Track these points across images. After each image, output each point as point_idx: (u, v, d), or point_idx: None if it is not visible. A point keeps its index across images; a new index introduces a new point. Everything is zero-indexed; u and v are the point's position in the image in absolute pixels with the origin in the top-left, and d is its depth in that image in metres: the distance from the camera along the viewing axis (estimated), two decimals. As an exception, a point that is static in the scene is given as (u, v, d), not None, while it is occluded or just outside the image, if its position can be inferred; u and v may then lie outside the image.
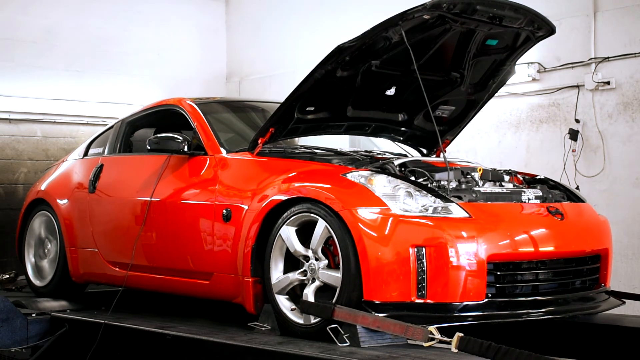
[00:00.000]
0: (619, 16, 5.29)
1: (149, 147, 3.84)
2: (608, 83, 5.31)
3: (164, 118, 4.40)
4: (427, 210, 3.00)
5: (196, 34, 8.04)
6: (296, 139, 4.12)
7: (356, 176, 3.14)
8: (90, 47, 7.14)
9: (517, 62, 3.96)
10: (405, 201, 3.03)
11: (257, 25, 7.92)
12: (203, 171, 3.75)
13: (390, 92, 3.85)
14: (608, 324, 3.60)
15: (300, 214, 3.19)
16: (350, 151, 3.94)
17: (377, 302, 2.93)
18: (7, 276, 5.40)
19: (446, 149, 4.21)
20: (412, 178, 3.28)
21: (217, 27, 8.21)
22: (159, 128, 4.43)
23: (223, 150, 3.76)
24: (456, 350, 2.62)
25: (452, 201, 3.06)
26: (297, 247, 3.20)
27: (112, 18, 7.32)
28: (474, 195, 3.19)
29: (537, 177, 3.72)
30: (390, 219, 2.96)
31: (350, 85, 3.65)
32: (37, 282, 4.69)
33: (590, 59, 5.40)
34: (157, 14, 7.68)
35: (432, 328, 2.70)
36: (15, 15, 6.72)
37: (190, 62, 7.92)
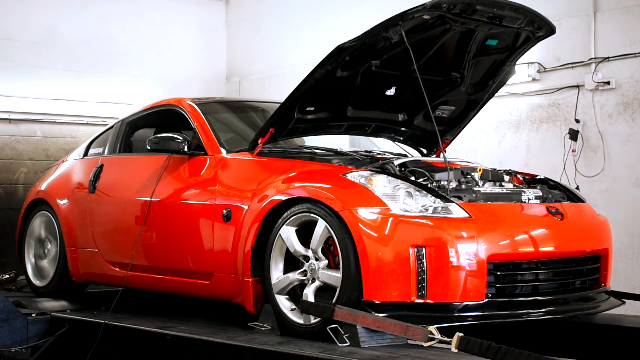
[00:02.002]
0: (619, 16, 5.29)
1: (149, 147, 3.84)
2: (608, 83, 5.31)
3: (164, 118, 4.40)
4: (427, 210, 3.00)
5: (196, 34, 8.04)
6: (296, 138, 4.13)
7: (356, 176, 3.14)
8: (90, 47, 7.15)
9: (517, 62, 3.95)
10: (405, 201, 3.03)
11: (257, 25, 7.92)
12: (203, 171, 3.75)
13: (390, 92, 3.85)
14: (608, 324, 3.60)
15: (300, 214, 3.19)
16: (350, 151, 3.94)
17: (377, 302, 2.93)
18: (7, 276, 5.40)
19: (446, 149, 4.21)
20: (412, 178, 3.28)
21: (217, 27, 8.21)
22: (159, 128, 4.43)
23: (223, 150, 3.75)
24: (456, 350, 2.62)
25: (452, 201, 3.06)
26: (297, 247, 3.20)
27: (112, 18, 7.33)
28: (474, 195, 3.19)
29: (537, 177, 3.71)
30: (390, 219, 2.96)
31: (350, 85, 3.65)
32: (37, 282, 4.69)
33: (590, 59, 5.40)
34: (157, 14, 7.68)
35: (432, 328, 2.70)
36: (15, 15, 6.72)
37: (190, 62, 7.93)
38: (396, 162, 3.40)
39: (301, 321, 3.16)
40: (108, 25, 7.29)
